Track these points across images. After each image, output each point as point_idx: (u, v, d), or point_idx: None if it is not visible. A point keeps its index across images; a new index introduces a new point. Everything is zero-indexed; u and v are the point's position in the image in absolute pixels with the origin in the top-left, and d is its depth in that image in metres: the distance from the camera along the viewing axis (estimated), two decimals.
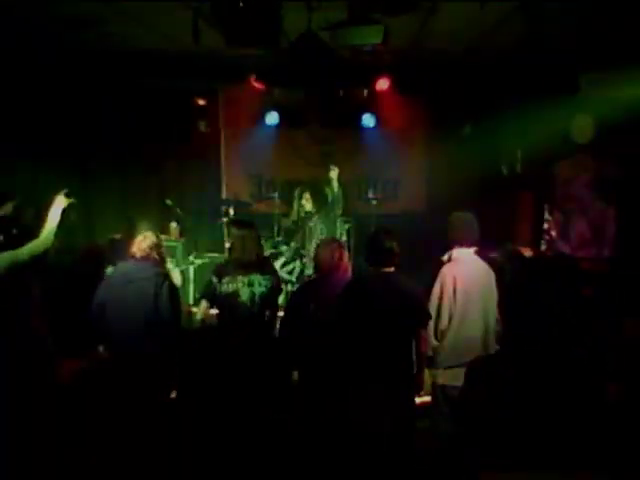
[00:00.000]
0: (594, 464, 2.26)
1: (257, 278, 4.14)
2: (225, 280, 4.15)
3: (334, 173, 6.45)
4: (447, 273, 3.84)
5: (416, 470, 3.53)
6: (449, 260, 3.94)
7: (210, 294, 4.22)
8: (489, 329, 3.84)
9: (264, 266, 4.28)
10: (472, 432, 2.51)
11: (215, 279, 4.18)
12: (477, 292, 3.83)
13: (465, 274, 3.83)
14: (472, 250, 3.94)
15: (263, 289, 4.14)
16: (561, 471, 2.21)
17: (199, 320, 4.41)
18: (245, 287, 4.12)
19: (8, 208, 3.98)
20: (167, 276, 4.22)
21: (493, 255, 4.17)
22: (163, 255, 4.32)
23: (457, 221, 3.96)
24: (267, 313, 4.24)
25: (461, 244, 3.91)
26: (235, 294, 4.12)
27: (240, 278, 4.12)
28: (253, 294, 4.11)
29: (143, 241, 4.17)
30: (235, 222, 4.68)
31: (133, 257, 4.16)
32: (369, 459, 3.40)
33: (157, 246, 4.22)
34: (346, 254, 4.16)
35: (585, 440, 2.32)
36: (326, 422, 3.44)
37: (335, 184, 6.47)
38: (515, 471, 2.23)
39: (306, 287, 4.31)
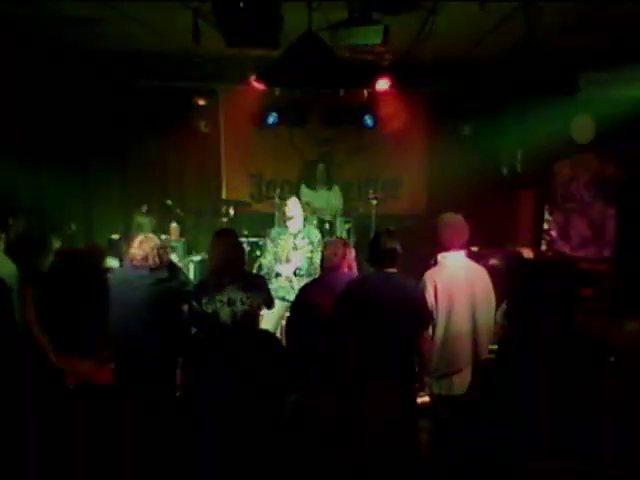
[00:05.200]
0: (595, 457, 2.27)
1: (238, 295, 3.74)
2: (204, 301, 3.76)
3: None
4: (428, 278, 3.77)
5: (417, 470, 3.53)
6: (434, 264, 3.87)
7: (190, 311, 3.92)
8: (479, 334, 3.75)
9: (250, 282, 3.89)
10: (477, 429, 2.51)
11: (193, 301, 3.82)
12: (463, 297, 3.73)
13: (448, 278, 3.75)
14: (459, 253, 3.83)
15: (247, 307, 3.74)
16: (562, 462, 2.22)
17: None
18: (225, 307, 3.72)
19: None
20: (168, 279, 4.17)
21: (493, 262, 4.15)
22: (164, 257, 4.21)
23: (443, 224, 3.85)
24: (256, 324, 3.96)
25: (448, 247, 3.81)
26: (214, 315, 3.74)
27: (218, 297, 3.73)
28: (234, 313, 3.73)
29: (145, 242, 4.10)
30: (215, 232, 4.25)
31: (133, 259, 4.09)
32: (369, 458, 3.41)
33: (158, 248, 4.14)
34: (351, 252, 4.18)
35: (584, 436, 2.33)
36: (326, 421, 3.45)
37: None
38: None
39: (313, 285, 4.29)
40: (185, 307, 4.00)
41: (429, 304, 3.73)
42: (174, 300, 4.05)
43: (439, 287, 3.72)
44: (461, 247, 3.85)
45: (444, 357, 3.75)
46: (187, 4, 4.85)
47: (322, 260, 4.13)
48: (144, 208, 7.09)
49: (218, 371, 3.36)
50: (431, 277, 3.77)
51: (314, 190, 7.74)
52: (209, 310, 3.74)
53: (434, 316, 3.74)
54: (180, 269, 4.27)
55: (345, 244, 4.20)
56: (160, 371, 3.95)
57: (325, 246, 4.22)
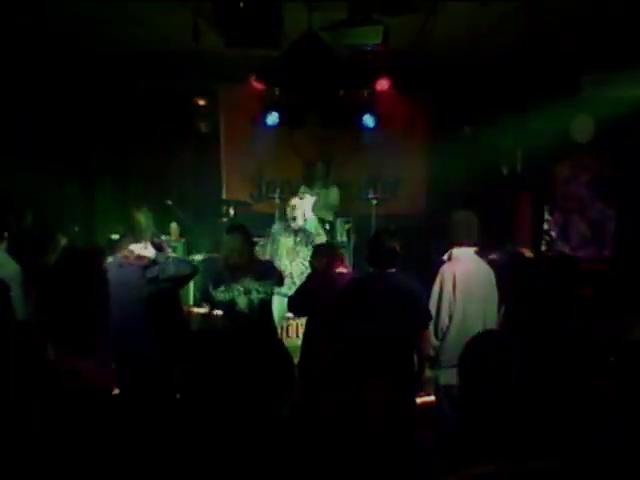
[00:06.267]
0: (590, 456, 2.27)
1: (254, 285, 4.02)
2: (221, 289, 4.03)
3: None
4: (446, 271, 3.86)
5: (417, 470, 3.53)
6: (449, 259, 3.96)
7: (208, 300, 4.16)
8: (488, 326, 3.82)
9: (262, 271, 4.13)
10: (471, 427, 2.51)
11: (210, 287, 4.06)
12: (477, 291, 3.85)
13: (465, 273, 3.85)
14: (472, 249, 3.95)
15: (262, 295, 4.03)
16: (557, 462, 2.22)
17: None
18: (242, 295, 4.00)
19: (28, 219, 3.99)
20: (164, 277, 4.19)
21: (492, 257, 4.19)
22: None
23: (457, 221, 3.98)
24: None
25: (461, 243, 3.92)
26: (232, 302, 4.01)
27: (235, 286, 4.00)
28: (251, 301, 4.00)
29: (144, 248, 4.11)
30: (226, 229, 4.56)
31: (127, 258, 4.10)
32: (369, 458, 3.40)
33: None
34: (337, 254, 4.28)
35: (581, 435, 2.33)
36: (326, 421, 3.45)
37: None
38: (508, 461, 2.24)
39: (313, 284, 4.35)
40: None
41: (448, 295, 3.80)
42: (170, 296, 4.10)
43: (457, 280, 3.81)
44: (472, 244, 3.95)
45: (458, 348, 3.80)
46: (187, 4, 4.86)
47: (312, 268, 4.32)
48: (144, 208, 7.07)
49: (218, 369, 3.36)
50: (450, 269, 3.86)
51: (312, 190, 7.71)
52: (226, 298, 3.98)
53: (452, 307, 3.81)
54: (167, 260, 4.25)
55: (334, 250, 4.32)
56: (159, 369, 3.97)
57: (314, 254, 4.38)
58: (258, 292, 4.00)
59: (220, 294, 4.00)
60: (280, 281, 4.30)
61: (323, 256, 4.26)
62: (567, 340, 2.57)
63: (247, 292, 3.98)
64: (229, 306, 4.01)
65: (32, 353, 3.42)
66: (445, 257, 3.98)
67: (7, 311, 3.27)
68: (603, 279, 5.61)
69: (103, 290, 4.09)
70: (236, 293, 3.98)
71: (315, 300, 4.08)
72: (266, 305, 4.10)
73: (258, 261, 4.33)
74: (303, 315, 4.64)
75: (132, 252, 4.05)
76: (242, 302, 3.98)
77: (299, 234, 5.69)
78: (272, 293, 4.16)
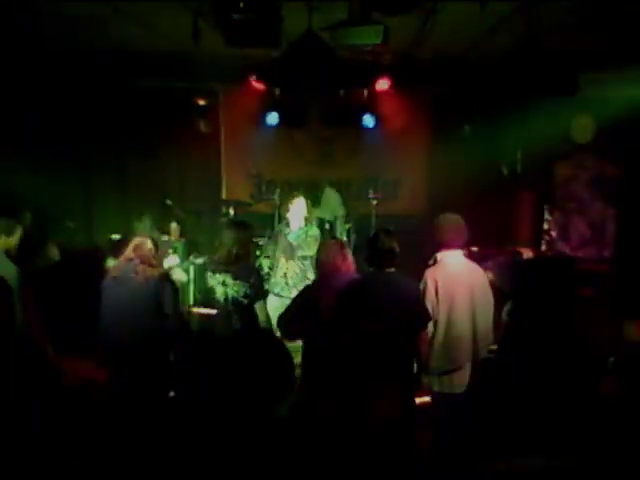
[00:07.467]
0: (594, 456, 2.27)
1: (229, 281, 4.22)
2: (208, 275, 4.33)
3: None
4: (429, 276, 3.77)
5: (416, 470, 3.53)
6: (434, 263, 3.88)
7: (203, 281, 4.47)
8: (478, 331, 3.76)
9: (241, 271, 4.24)
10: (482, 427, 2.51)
11: (206, 270, 4.38)
12: (463, 294, 3.75)
13: (448, 276, 3.76)
14: (459, 252, 3.86)
15: (234, 293, 4.21)
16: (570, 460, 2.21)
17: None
18: (220, 285, 4.24)
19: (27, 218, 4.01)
20: (168, 278, 4.25)
21: (487, 267, 4.13)
22: (158, 259, 4.32)
23: (443, 224, 3.89)
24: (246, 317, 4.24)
25: (447, 247, 3.84)
26: (212, 290, 4.26)
27: (217, 276, 4.25)
28: (226, 294, 4.22)
29: (143, 244, 4.14)
30: (231, 222, 4.77)
31: (126, 260, 4.12)
32: (368, 459, 3.41)
33: (154, 250, 4.21)
34: (348, 253, 4.15)
35: (583, 433, 2.33)
36: (326, 421, 3.45)
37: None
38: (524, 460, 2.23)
39: (313, 285, 4.29)
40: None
41: (430, 301, 3.73)
42: (175, 295, 4.14)
43: (440, 285, 3.73)
44: (460, 247, 3.88)
45: (445, 354, 3.76)
46: (187, 4, 4.86)
47: (318, 263, 4.14)
48: (147, 220, 7.07)
49: (217, 369, 3.36)
50: (432, 275, 3.78)
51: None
52: (209, 284, 4.28)
53: (435, 313, 3.74)
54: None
55: (342, 246, 4.17)
56: (154, 368, 3.99)
57: (321, 249, 4.21)
58: (232, 288, 4.21)
59: (209, 278, 4.32)
60: (253, 291, 4.27)
61: (328, 252, 4.15)
62: (567, 340, 2.57)
63: (224, 285, 4.23)
64: (209, 293, 4.29)
65: (32, 353, 3.42)
66: (430, 262, 3.91)
67: (10, 310, 3.28)
68: (603, 279, 5.61)
69: (101, 290, 4.11)
70: (215, 282, 4.25)
71: (315, 301, 4.04)
72: (243, 307, 4.19)
73: (243, 263, 4.35)
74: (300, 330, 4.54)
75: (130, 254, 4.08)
76: (219, 291, 4.23)
77: (299, 235, 5.67)
78: (247, 297, 4.20)
